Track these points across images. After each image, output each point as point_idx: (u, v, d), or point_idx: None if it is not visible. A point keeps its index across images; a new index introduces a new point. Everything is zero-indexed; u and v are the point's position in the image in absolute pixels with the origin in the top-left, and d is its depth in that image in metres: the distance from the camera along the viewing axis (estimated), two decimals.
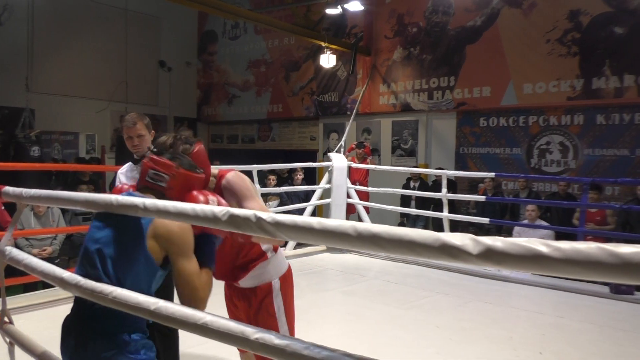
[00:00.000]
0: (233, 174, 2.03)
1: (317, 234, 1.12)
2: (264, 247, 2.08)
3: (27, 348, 2.06)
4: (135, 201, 1.51)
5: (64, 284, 1.71)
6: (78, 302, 1.66)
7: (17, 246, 5.23)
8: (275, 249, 2.14)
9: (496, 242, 0.88)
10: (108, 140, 12.27)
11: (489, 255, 0.89)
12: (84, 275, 1.62)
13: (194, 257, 1.62)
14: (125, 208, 1.54)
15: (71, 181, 8.70)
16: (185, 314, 1.37)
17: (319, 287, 5.00)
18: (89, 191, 7.00)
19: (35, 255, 5.08)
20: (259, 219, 1.20)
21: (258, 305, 2.10)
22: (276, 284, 2.11)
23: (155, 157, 1.72)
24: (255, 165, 6.04)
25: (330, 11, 9.88)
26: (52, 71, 11.31)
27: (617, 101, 7.86)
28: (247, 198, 1.95)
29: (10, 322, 2.21)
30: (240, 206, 1.89)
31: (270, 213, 1.22)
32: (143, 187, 1.73)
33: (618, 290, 4.78)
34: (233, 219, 1.27)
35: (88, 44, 11.83)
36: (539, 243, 0.85)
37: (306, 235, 1.15)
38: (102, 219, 1.68)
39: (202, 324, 1.32)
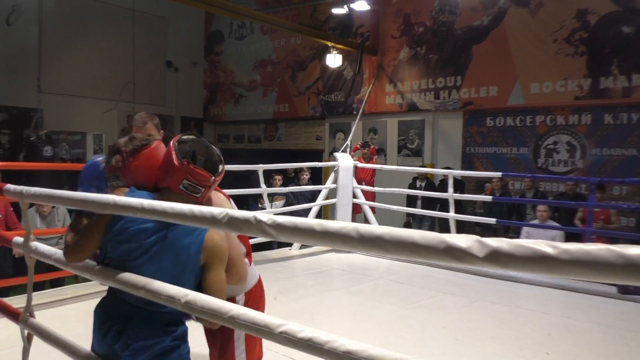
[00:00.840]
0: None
1: (318, 236, 1.11)
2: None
3: (49, 338, 2.07)
4: (133, 202, 1.51)
5: (98, 275, 1.76)
6: (113, 290, 1.75)
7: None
8: (250, 262, 2.07)
9: (502, 244, 0.88)
10: (115, 140, 12.33)
11: (496, 257, 0.88)
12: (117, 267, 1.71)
13: (224, 267, 1.73)
14: (124, 209, 1.56)
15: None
16: (216, 306, 1.43)
17: (324, 287, 5.00)
18: None
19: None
20: (259, 221, 1.20)
21: None
22: (240, 299, 2.05)
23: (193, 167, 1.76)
24: (261, 165, 6.07)
25: (336, 11, 9.88)
26: (60, 71, 11.39)
27: (625, 101, 7.81)
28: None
29: (32, 316, 2.23)
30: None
31: (270, 215, 1.21)
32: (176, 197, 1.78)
33: (626, 291, 4.75)
34: (232, 221, 1.27)
35: (95, 45, 11.91)
36: (545, 245, 0.84)
37: (307, 238, 1.15)
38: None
39: (230, 317, 1.38)
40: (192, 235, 1.67)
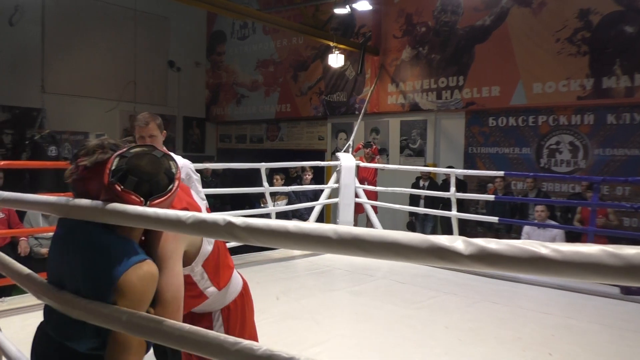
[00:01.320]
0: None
1: (294, 238, 1.03)
2: (202, 288, 1.84)
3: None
4: (95, 205, 1.42)
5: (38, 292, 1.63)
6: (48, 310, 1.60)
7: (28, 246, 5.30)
8: (221, 285, 1.89)
9: (489, 242, 0.85)
10: (116, 140, 12.34)
11: (482, 256, 0.85)
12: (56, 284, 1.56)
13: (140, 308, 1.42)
14: (82, 211, 1.46)
15: None
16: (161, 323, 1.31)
17: (326, 287, 5.00)
18: None
19: (44, 255, 5.15)
20: (228, 223, 1.11)
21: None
22: (216, 314, 1.93)
23: (119, 188, 1.49)
24: (263, 164, 6.08)
25: (338, 11, 9.88)
26: (62, 71, 11.41)
27: (627, 101, 7.79)
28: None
29: None
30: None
31: (242, 218, 1.12)
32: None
33: (628, 291, 4.74)
34: (199, 224, 1.17)
35: (97, 45, 11.93)
36: (535, 244, 0.83)
37: (282, 241, 1.06)
38: (66, 236, 1.56)
39: (179, 335, 1.25)
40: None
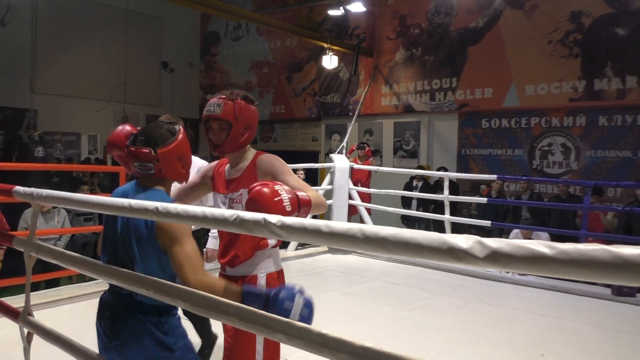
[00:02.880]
0: (268, 154, 2.05)
1: (325, 236, 1.14)
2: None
3: (49, 336, 2.07)
4: (148, 205, 1.52)
5: (99, 271, 1.78)
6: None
7: None
8: (278, 242, 2.05)
9: (502, 244, 0.89)
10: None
11: (496, 258, 0.89)
12: (109, 262, 1.77)
13: (188, 242, 1.68)
14: (140, 212, 1.55)
15: (74, 182, 8.73)
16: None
17: (320, 288, 4.99)
18: (90, 192, 7.04)
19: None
20: (268, 222, 1.22)
21: None
22: (262, 277, 2.01)
23: (132, 148, 1.78)
24: None
25: (332, 12, 9.89)
26: (55, 72, 11.35)
27: (619, 102, 7.85)
28: (284, 173, 1.95)
29: (31, 315, 2.23)
30: (276, 179, 1.86)
31: (279, 217, 1.23)
32: (141, 179, 1.84)
33: (620, 292, 4.77)
34: (243, 223, 1.28)
35: (90, 45, 11.88)
36: (543, 245, 0.85)
37: (314, 238, 1.17)
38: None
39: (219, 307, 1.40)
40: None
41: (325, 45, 9.93)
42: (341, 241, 1.11)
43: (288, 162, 2.09)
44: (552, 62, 8.37)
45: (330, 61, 10.03)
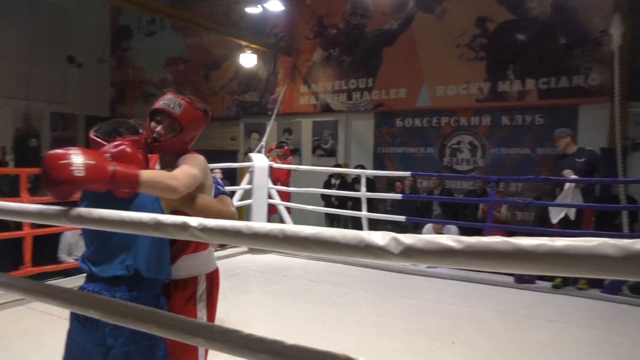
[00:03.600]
0: (195, 154, 2.01)
1: (247, 238, 1.15)
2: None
3: None
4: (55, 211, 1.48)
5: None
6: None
7: None
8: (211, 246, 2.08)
9: (415, 240, 0.94)
10: (9, 140, 11.39)
11: (409, 253, 0.94)
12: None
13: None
14: (51, 218, 1.51)
15: None
16: None
17: (241, 289, 4.95)
18: None
19: None
20: (188, 226, 1.21)
21: (182, 300, 1.99)
22: (202, 278, 2.03)
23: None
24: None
25: (250, 10, 9.81)
26: None
27: (519, 103, 8.44)
28: (184, 162, 1.87)
29: None
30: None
31: (199, 219, 1.21)
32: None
33: (521, 280, 5.15)
34: (162, 227, 1.26)
35: None
36: (451, 240, 0.91)
37: (235, 239, 1.18)
38: None
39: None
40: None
41: (243, 43, 9.82)
42: (263, 242, 1.12)
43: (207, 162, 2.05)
44: (460, 65, 8.83)
45: (248, 59, 9.93)
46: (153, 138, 1.93)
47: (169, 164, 1.97)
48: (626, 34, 6.78)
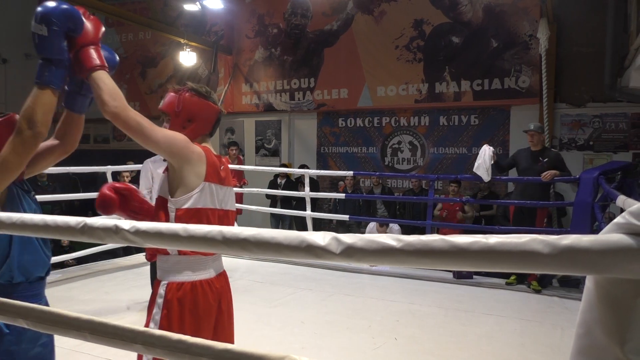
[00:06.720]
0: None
1: (184, 240, 1.11)
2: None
3: None
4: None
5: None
6: None
7: None
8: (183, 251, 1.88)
9: (355, 240, 0.95)
10: None
11: (350, 253, 0.95)
12: None
13: None
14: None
15: None
16: None
17: None
18: None
19: None
20: (120, 229, 1.15)
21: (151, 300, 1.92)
22: (162, 287, 1.87)
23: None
24: (109, 167, 5.70)
25: (188, 7, 9.60)
26: None
27: (456, 104, 8.73)
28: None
29: None
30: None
31: (132, 222, 1.16)
32: None
33: (460, 276, 5.35)
34: (91, 231, 1.20)
35: None
36: (391, 238, 0.92)
37: (172, 242, 1.14)
38: None
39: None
40: None
41: (182, 40, 9.60)
42: (201, 244, 1.09)
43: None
44: (399, 66, 9.03)
45: (187, 57, 9.72)
46: None
47: None
48: (552, 38, 7.18)
